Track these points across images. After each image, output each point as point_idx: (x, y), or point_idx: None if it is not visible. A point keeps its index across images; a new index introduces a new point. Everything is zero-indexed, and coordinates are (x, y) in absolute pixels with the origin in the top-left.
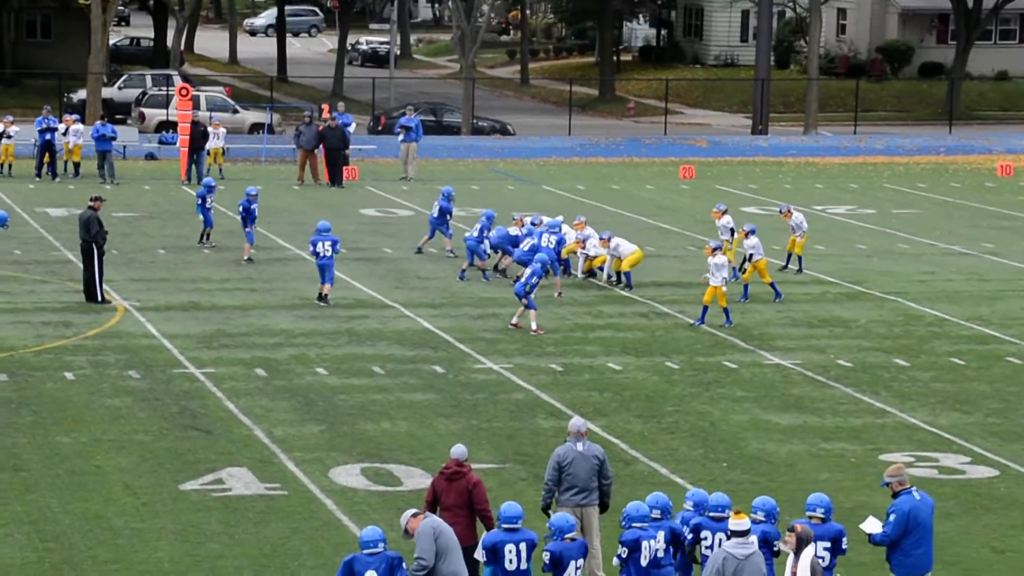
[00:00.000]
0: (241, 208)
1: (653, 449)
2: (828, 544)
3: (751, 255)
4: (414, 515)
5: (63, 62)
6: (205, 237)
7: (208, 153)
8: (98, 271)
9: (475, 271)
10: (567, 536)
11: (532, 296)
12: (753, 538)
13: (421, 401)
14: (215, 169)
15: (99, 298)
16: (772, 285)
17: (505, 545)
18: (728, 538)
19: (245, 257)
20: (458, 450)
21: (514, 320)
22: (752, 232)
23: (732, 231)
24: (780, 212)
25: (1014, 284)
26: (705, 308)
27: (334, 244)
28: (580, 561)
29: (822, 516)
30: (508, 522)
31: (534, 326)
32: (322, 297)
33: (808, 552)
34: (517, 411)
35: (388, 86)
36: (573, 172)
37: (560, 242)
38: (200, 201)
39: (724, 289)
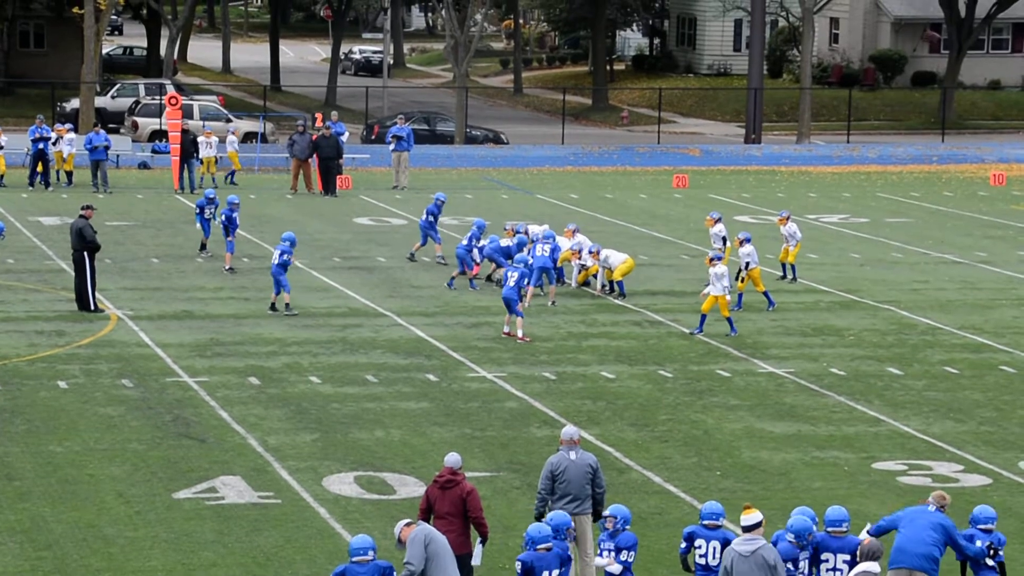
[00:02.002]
0: (223, 217)
1: (647, 457)
2: (848, 557)
3: (747, 263)
4: (407, 524)
5: (56, 71)
6: (202, 247)
7: (201, 162)
8: (90, 279)
9: (463, 280)
10: (540, 546)
11: (519, 304)
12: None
13: (415, 410)
14: (208, 178)
15: (92, 306)
16: (766, 294)
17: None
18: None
19: (227, 267)
20: (452, 458)
21: (506, 329)
22: (747, 240)
23: (724, 239)
24: (780, 216)
25: (1007, 293)
26: (703, 317)
27: (281, 255)
28: (556, 572)
29: (844, 531)
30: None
31: (520, 333)
32: (272, 306)
33: (864, 567)
34: (511, 420)
35: (381, 95)
36: (567, 181)
37: (555, 251)
38: (199, 211)
39: (729, 298)
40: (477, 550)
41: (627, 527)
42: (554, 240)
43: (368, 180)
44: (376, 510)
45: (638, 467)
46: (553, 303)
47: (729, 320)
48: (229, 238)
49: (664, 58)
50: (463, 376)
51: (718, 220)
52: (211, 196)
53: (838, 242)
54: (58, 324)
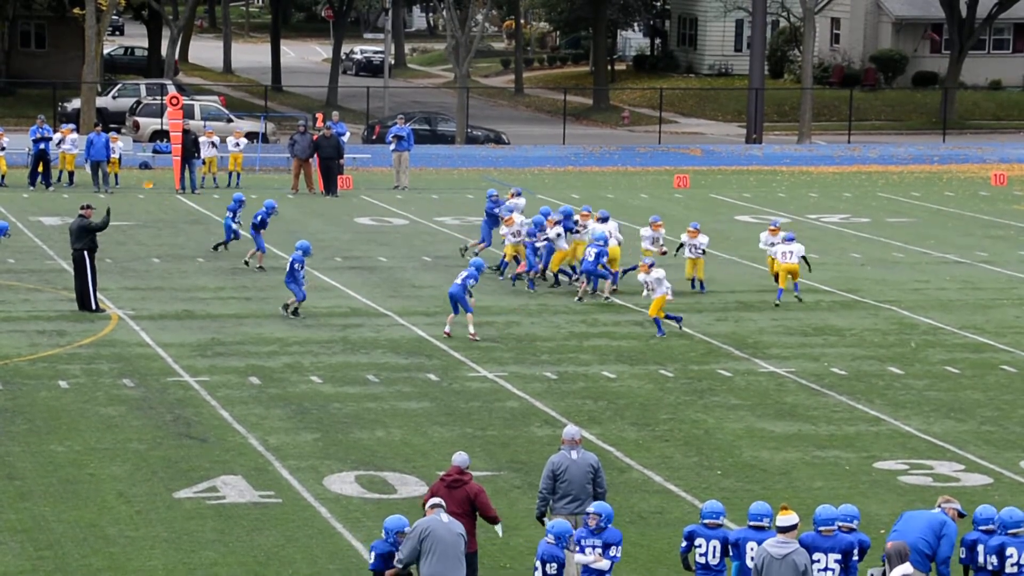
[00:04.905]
0: (258, 219)
1: (648, 457)
2: (838, 556)
3: (703, 251)
4: (431, 507)
5: (57, 71)
6: (223, 246)
7: (203, 162)
8: (91, 279)
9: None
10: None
11: (469, 299)
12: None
13: (415, 409)
14: (209, 178)
15: (93, 306)
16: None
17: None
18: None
19: (258, 265)
20: (460, 458)
21: (447, 329)
22: (791, 239)
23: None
24: (772, 226)
25: (1008, 293)
26: (657, 320)
27: (292, 263)
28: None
29: (833, 530)
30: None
31: (471, 330)
32: (286, 308)
33: (901, 569)
34: (511, 419)
35: (382, 95)
36: (567, 181)
37: (600, 255)
38: (231, 214)
39: (670, 297)
40: (498, 527)
41: (610, 524)
42: (604, 243)
43: (369, 180)
44: (377, 509)
45: (639, 466)
46: (607, 298)
47: (656, 321)
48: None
49: (665, 58)
50: (464, 376)
51: (698, 231)
52: (242, 199)
53: (839, 242)
54: (59, 324)
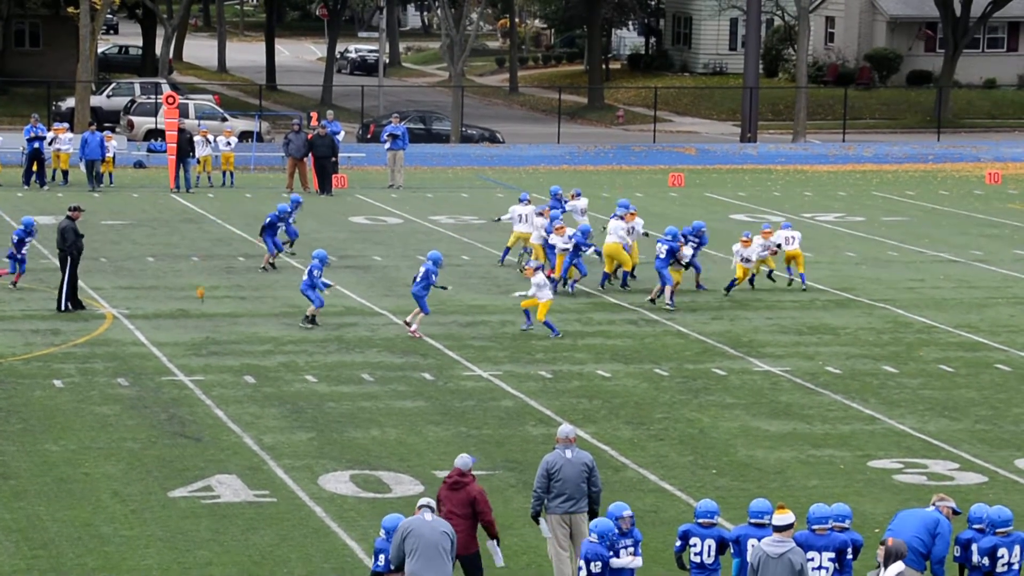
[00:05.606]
0: (268, 220)
1: (643, 456)
2: (832, 555)
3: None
4: (417, 507)
5: (51, 70)
6: (288, 245)
7: (197, 161)
8: (68, 280)
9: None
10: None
11: (425, 299)
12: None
13: (410, 408)
14: (204, 177)
15: (60, 306)
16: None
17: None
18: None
19: (263, 266)
20: (461, 460)
21: (409, 319)
22: (788, 227)
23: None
24: (744, 238)
25: (1003, 291)
26: (547, 323)
27: (311, 271)
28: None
29: (827, 528)
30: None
31: (414, 327)
32: (307, 319)
33: (896, 567)
34: (506, 418)
35: (377, 94)
36: (562, 180)
37: (671, 251)
38: (282, 222)
39: (550, 301)
40: (496, 552)
41: None
42: (675, 239)
43: (364, 179)
44: (371, 509)
45: (634, 465)
46: (669, 304)
47: (527, 316)
48: (273, 238)
49: (660, 57)
50: (459, 375)
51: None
52: (299, 201)
53: (834, 241)
54: (53, 323)
